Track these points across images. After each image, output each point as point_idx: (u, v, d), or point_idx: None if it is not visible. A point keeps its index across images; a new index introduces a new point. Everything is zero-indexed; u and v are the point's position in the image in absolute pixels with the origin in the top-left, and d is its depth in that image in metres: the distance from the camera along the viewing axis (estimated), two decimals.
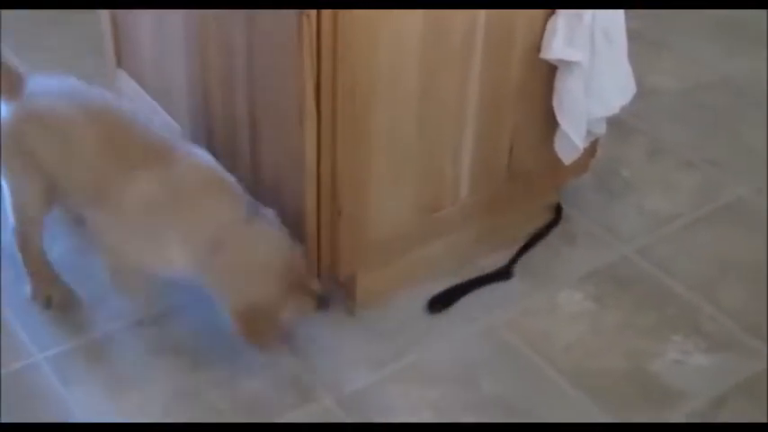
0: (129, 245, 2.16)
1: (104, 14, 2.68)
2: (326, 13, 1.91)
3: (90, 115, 2.16)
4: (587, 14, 2.19)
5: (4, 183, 2.25)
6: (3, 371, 2.19)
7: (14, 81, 2.18)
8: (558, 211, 2.62)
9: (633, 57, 2.38)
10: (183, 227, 2.11)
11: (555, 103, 2.31)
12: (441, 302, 2.38)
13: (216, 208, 2.13)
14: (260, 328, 2.12)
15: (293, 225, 2.18)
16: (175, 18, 2.34)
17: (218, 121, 2.35)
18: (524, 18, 2.19)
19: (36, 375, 2.20)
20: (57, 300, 2.33)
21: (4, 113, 2.18)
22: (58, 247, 2.44)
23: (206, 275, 2.12)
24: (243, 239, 2.11)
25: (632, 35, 2.37)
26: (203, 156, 2.19)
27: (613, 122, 2.50)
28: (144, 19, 2.51)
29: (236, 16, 2.13)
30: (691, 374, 2.26)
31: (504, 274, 2.47)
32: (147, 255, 2.16)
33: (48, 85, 2.22)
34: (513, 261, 2.50)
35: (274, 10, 1.99)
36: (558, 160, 2.39)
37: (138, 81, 2.66)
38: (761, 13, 3.43)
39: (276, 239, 2.13)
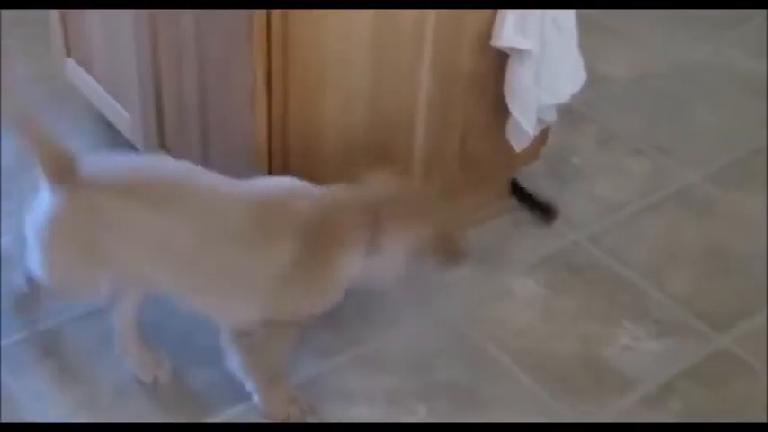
0: (293, 301, 1.97)
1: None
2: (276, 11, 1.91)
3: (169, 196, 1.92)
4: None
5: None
6: None
7: (63, 163, 1.91)
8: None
9: (585, 45, 2.39)
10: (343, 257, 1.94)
11: (506, 91, 2.31)
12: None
13: (347, 230, 1.93)
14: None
15: None
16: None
17: (169, 108, 2.34)
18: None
19: None
20: (163, 379, 2.18)
21: (51, 202, 1.92)
22: None
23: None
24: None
25: (587, 23, 2.38)
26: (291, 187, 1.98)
27: (564, 110, 2.52)
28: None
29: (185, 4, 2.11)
30: (641, 360, 2.28)
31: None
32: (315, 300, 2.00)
33: (110, 163, 1.98)
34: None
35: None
36: (510, 147, 2.40)
37: (88, 69, 2.64)
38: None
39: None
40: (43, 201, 1.93)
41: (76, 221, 1.92)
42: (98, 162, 1.96)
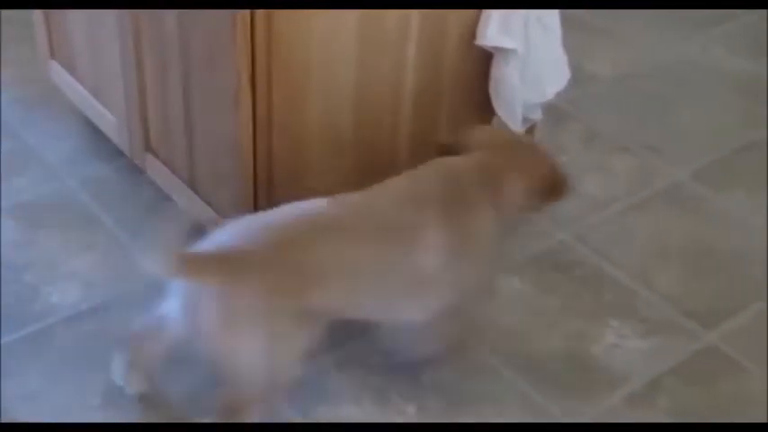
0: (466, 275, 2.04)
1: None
2: (260, 11, 1.91)
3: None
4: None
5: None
6: None
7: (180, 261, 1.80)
8: None
9: (571, 43, 2.40)
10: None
11: (491, 90, 2.32)
12: None
13: (476, 195, 2.02)
14: None
15: (230, 214, 2.17)
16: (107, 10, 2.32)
17: (153, 110, 2.33)
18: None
19: None
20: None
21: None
22: None
23: None
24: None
25: (573, 22, 2.38)
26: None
27: (550, 109, 2.52)
28: (75, 10, 2.47)
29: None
30: (628, 358, 2.28)
31: None
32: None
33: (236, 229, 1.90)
34: None
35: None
36: None
37: (71, 72, 2.63)
38: None
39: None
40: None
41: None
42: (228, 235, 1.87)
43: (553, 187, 2.09)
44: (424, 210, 1.95)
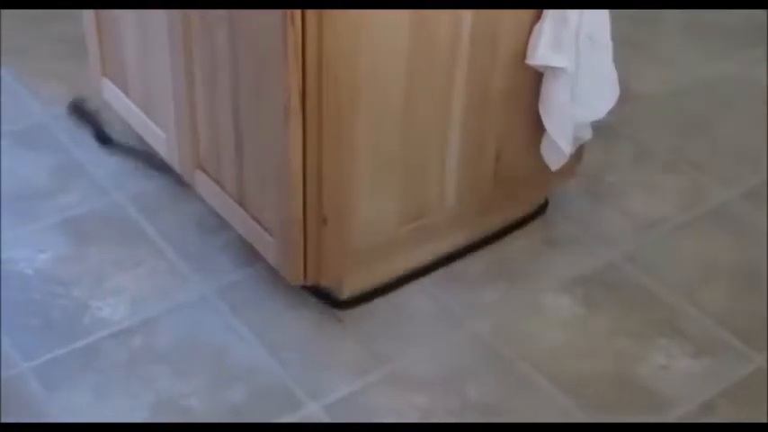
0: None
1: (89, 21, 2.66)
2: (311, 17, 1.91)
3: None
4: (573, 19, 2.19)
5: None
6: None
7: None
8: (544, 204, 2.64)
9: (617, 61, 2.39)
10: None
11: (541, 109, 2.31)
12: None
13: None
14: None
15: (278, 232, 2.18)
16: (158, 25, 2.33)
17: (203, 127, 2.35)
18: (510, 23, 2.19)
19: (20, 384, 2.19)
20: None
21: None
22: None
23: None
24: None
25: (617, 40, 2.37)
26: None
27: (599, 127, 2.51)
28: (127, 26, 2.50)
29: (220, 21, 2.12)
30: (677, 379, 2.27)
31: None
32: None
33: None
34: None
35: (259, 17, 1.98)
36: (545, 166, 2.39)
37: (123, 90, 2.65)
38: (737, 15, 3.45)
39: None
40: None
41: None
42: None
43: None
44: None
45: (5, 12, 3.25)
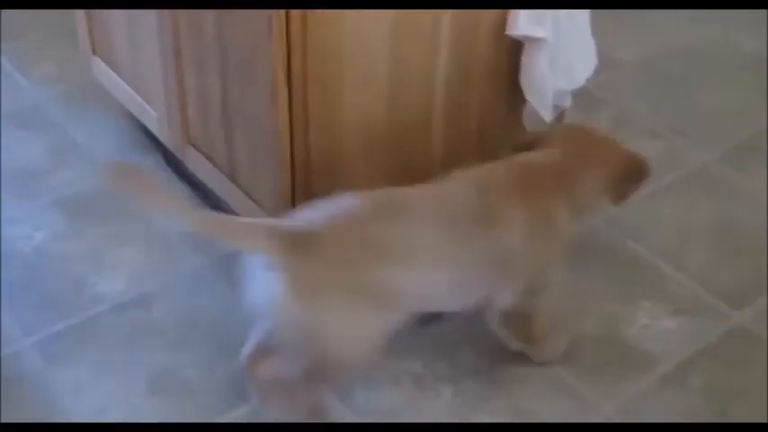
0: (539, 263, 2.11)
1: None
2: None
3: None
4: None
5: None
6: None
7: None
8: None
9: (597, 28, 2.42)
10: None
11: (522, 79, 2.35)
12: None
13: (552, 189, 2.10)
14: None
15: (269, 207, 2.23)
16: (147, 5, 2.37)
17: (193, 104, 2.39)
18: None
19: (21, 360, 2.24)
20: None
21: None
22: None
23: None
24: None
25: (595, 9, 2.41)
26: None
27: (578, 94, 2.54)
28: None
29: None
30: (660, 338, 2.32)
31: None
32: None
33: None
34: None
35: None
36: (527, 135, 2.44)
37: (113, 68, 2.69)
38: None
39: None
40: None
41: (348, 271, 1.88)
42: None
43: (633, 171, 2.18)
44: (506, 196, 2.03)
45: None
